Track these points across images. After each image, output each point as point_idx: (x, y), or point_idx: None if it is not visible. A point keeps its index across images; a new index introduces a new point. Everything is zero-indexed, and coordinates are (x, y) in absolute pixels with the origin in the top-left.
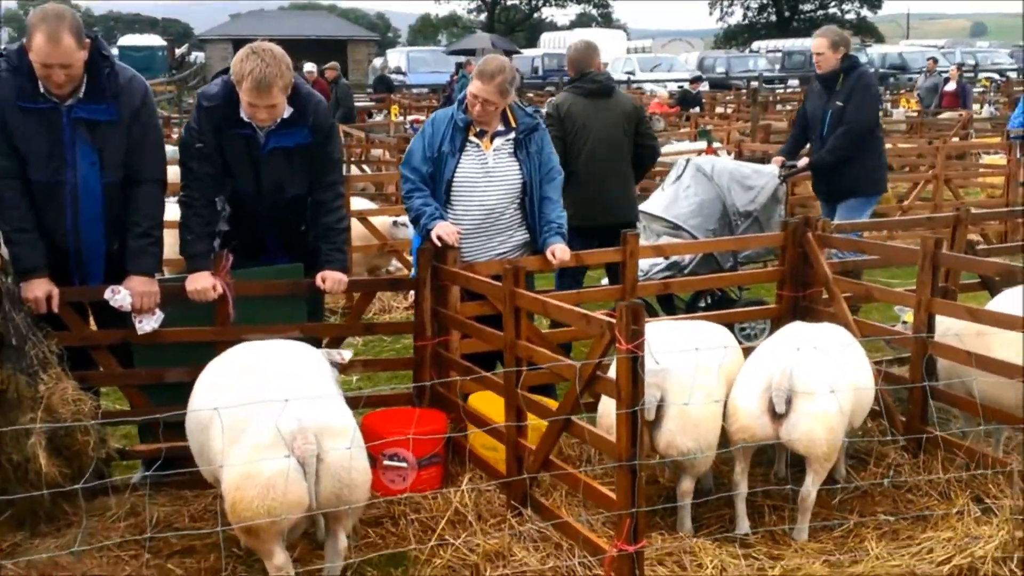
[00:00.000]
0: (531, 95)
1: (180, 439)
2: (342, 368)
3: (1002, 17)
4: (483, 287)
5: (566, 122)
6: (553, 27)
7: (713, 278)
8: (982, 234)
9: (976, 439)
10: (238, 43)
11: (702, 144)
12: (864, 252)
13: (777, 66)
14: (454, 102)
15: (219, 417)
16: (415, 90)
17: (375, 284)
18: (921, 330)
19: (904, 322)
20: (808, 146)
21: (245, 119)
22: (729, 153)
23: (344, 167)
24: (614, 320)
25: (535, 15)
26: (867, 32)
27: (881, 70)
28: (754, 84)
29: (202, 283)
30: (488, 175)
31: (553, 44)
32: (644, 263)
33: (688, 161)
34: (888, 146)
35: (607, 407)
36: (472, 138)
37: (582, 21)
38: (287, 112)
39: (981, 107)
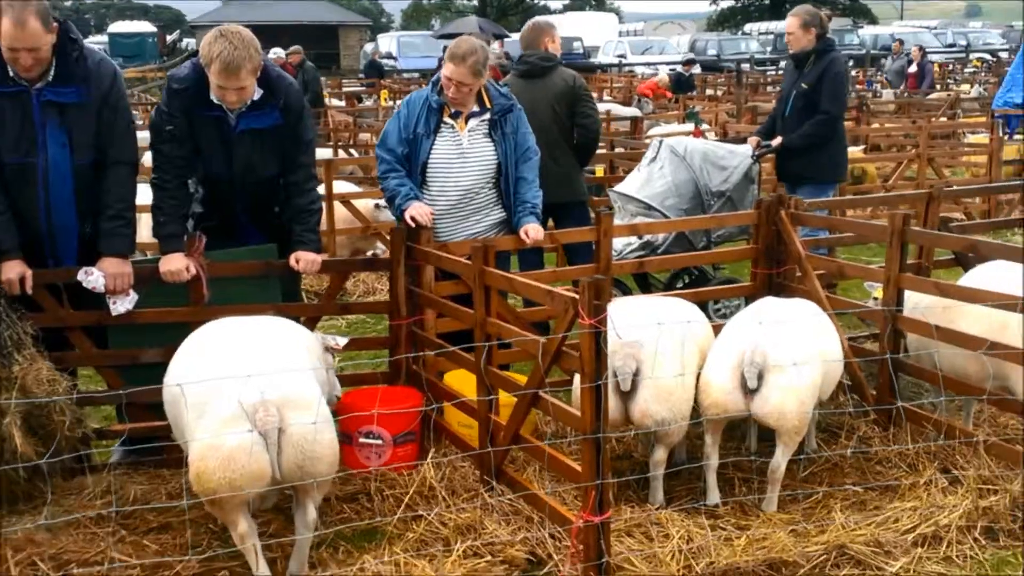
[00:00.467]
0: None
1: (160, 418)
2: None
3: None
4: (454, 266)
5: None
6: (546, 11)
7: (687, 257)
8: (965, 212)
9: (945, 411)
10: None
11: (690, 126)
12: (836, 229)
13: (769, 48)
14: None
15: (183, 392)
16: (405, 75)
17: (349, 265)
18: (890, 305)
19: (875, 298)
20: None
21: (216, 101)
22: (716, 135)
23: (332, 151)
24: (578, 296)
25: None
26: (860, 13)
27: (872, 51)
28: (744, 66)
29: (175, 264)
30: (463, 156)
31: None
32: (618, 243)
33: (662, 142)
34: (875, 125)
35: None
36: (447, 119)
37: (575, 5)
38: (257, 94)
39: (971, 87)
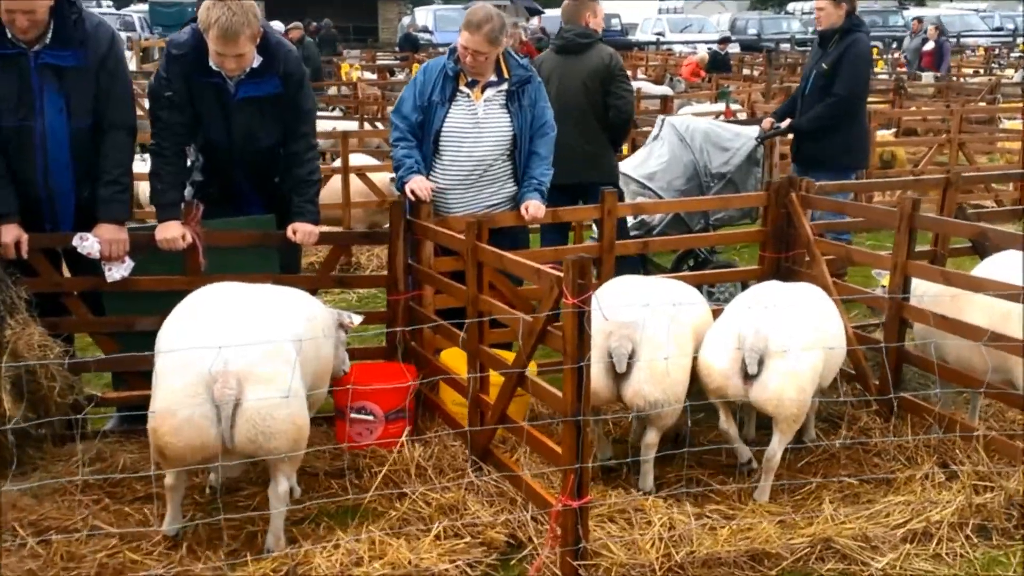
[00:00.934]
0: None
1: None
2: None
3: None
4: (451, 241)
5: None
6: None
7: (693, 238)
8: (996, 199)
9: (947, 404)
10: (270, 1)
11: (722, 106)
12: (847, 214)
13: (811, 28)
14: None
15: (157, 358)
16: (441, 48)
17: (348, 237)
18: (896, 292)
19: (883, 286)
20: None
21: (215, 68)
22: (746, 115)
23: (358, 124)
24: (562, 275)
25: None
26: None
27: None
28: (785, 46)
29: (172, 232)
30: (477, 126)
31: None
32: None
33: (664, 120)
34: (912, 108)
35: None
36: (463, 88)
37: None
38: (257, 62)
39: (1015, 72)
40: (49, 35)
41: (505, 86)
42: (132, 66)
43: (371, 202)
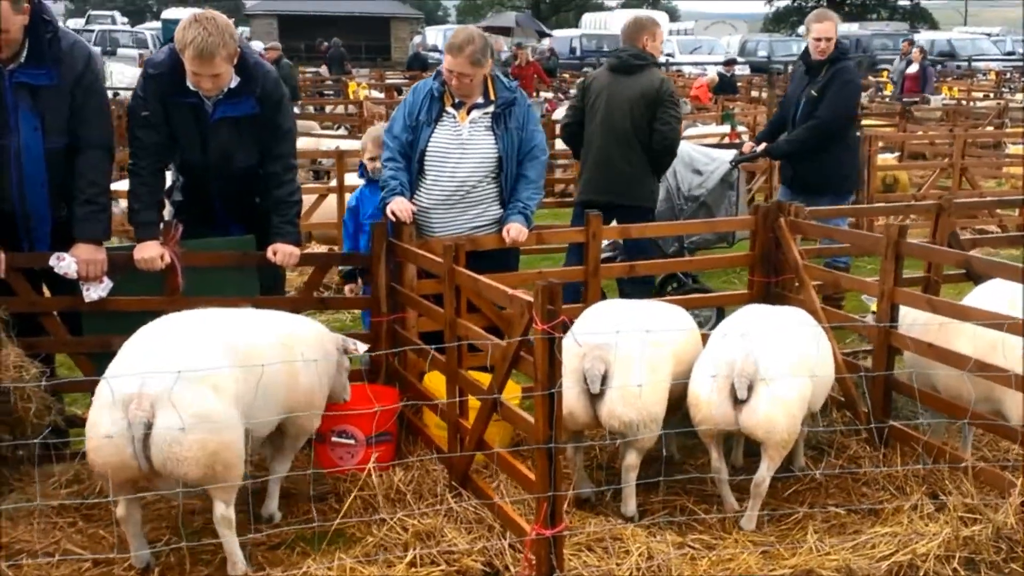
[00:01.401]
0: (567, 75)
1: None
2: None
3: None
4: (431, 264)
5: (586, 94)
6: (600, 8)
7: (680, 262)
8: (1000, 225)
9: (939, 433)
10: (283, 18)
11: (726, 128)
12: (835, 239)
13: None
14: None
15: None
16: None
17: (329, 258)
18: (884, 320)
19: (873, 312)
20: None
21: (192, 88)
22: (750, 138)
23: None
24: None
25: None
26: (921, 18)
27: (929, 57)
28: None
29: (150, 252)
30: (462, 147)
31: (594, 25)
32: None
33: None
34: (919, 132)
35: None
36: (449, 109)
37: (630, 3)
38: (234, 82)
39: None
40: (24, 54)
41: (491, 108)
42: None
43: None
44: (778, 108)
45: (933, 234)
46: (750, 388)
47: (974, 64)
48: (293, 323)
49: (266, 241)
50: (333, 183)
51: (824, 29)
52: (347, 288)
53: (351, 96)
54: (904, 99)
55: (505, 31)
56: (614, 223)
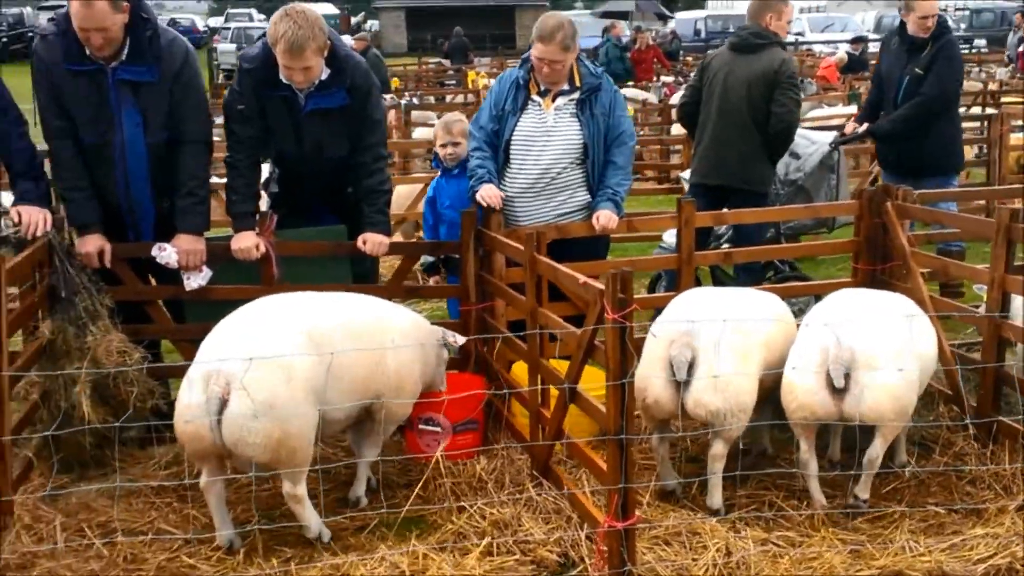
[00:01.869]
0: (689, 59)
1: None
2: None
3: None
4: (512, 252)
5: (704, 73)
6: None
7: (780, 248)
8: None
9: None
10: (411, 11)
11: (853, 108)
12: (943, 224)
13: (963, 25)
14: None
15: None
16: None
17: (418, 247)
18: (993, 309)
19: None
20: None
21: (284, 81)
22: None
23: None
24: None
25: None
26: None
27: None
28: None
29: (246, 242)
30: (547, 134)
31: (720, 6)
32: (670, 236)
33: None
34: None
35: (640, 372)
36: (534, 96)
37: None
38: (325, 74)
39: None
40: (125, 52)
41: (576, 94)
42: None
43: None
44: (872, 88)
45: None
46: (847, 376)
47: None
48: (385, 310)
49: (358, 230)
50: None
51: (929, 7)
52: (431, 280)
53: (470, 85)
54: None
55: (623, 15)
56: (725, 208)
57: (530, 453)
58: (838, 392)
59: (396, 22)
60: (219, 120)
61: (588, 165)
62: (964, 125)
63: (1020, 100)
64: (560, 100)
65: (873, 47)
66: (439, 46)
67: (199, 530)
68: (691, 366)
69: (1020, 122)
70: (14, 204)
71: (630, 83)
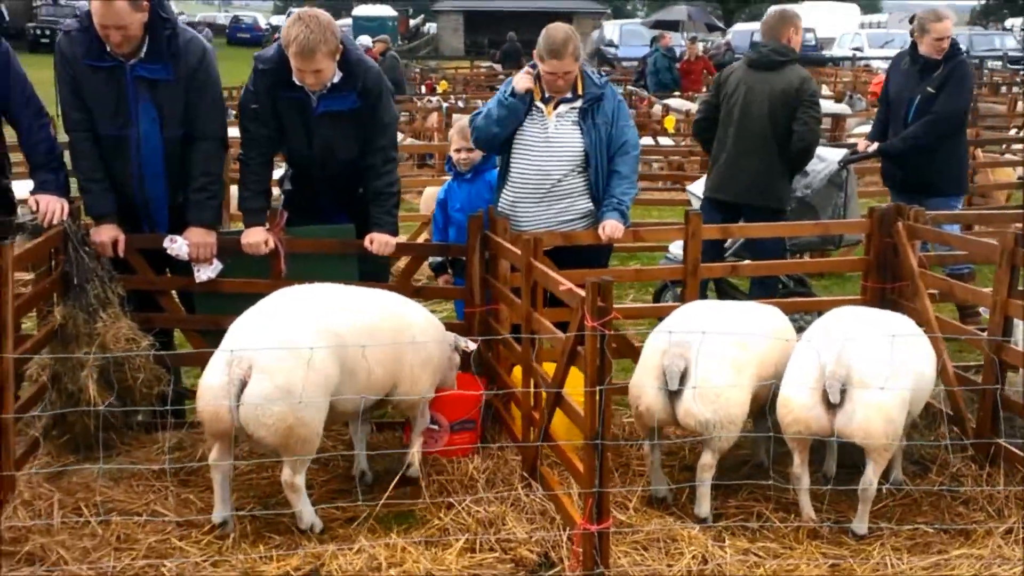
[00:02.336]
0: None
1: None
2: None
3: None
4: (513, 257)
5: (721, 89)
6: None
7: (787, 264)
8: None
9: None
10: (469, 14)
11: None
12: (950, 245)
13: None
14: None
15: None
16: (626, 63)
17: (425, 248)
18: (995, 333)
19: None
20: None
21: (298, 83)
22: None
23: None
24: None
25: None
26: None
27: None
28: (996, 64)
29: (255, 237)
30: (547, 141)
31: None
32: (676, 247)
33: None
34: None
35: (635, 380)
36: (538, 103)
37: None
38: (337, 77)
39: None
40: (144, 49)
41: (579, 103)
42: None
43: None
44: (880, 107)
45: None
46: (843, 392)
47: None
48: (405, 306)
49: (368, 231)
50: None
51: (945, 28)
52: (440, 280)
53: None
54: None
55: (673, 25)
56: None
57: (522, 454)
58: (833, 408)
59: (454, 25)
60: None
61: (591, 174)
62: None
63: None
64: (562, 108)
65: None
66: (491, 51)
67: (194, 514)
68: (684, 376)
69: None
70: (33, 193)
71: (676, 93)
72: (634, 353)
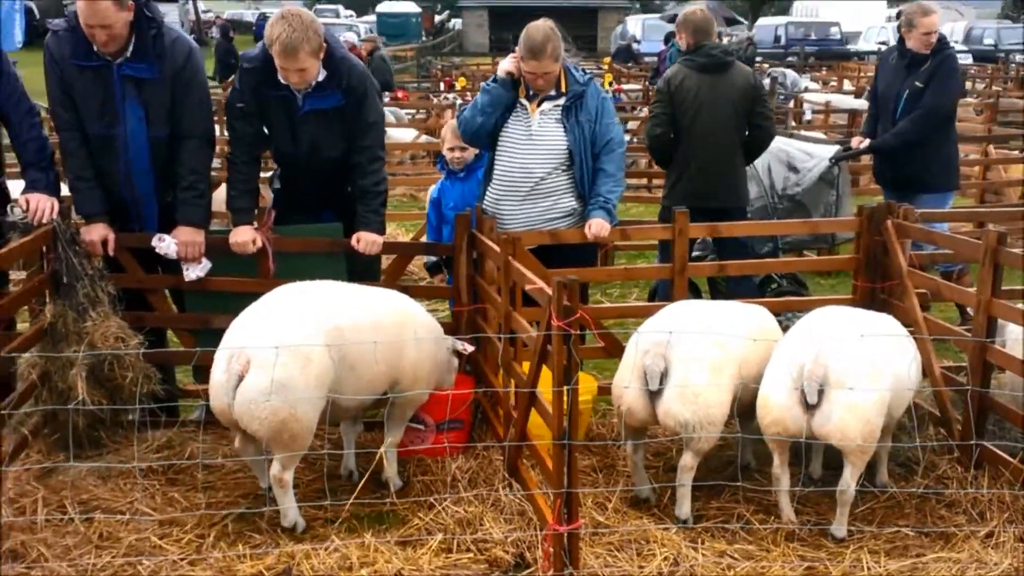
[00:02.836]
0: (765, 65)
1: None
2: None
3: None
4: (493, 256)
5: (675, 97)
6: None
7: (778, 262)
8: None
9: None
10: (494, 11)
11: None
12: (936, 244)
13: None
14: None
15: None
16: (648, 59)
17: (412, 247)
18: (980, 333)
19: None
20: None
21: (283, 82)
22: None
23: None
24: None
25: None
26: None
27: None
28: (1021, 57)
29: (243, 236)
30: (531, 139)
31: (804, 12)
32: None
33: None
34: None
35: (617, 380)
36: (522, 100)
37: None
38: (321, 75)
39: None
40: (130, 49)
41: (562, 101)
42: None
43: None
44: (870, 104)
45: None
46: (820, 392)
47: None
48: (407, 303)
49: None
50: None
51: (932, 22)
52: (435, 279)
53: None
54: None
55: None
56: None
57: (504, 454)
58: (811, 408)
59: (479, 21)
60: None
61: (575, 171)
62: None
63: None
64: (546, 105)
65: (962, 58)
66: (515, 47)
67: (178, 512)
68: (664, 376)
69: None
70: (23, 192)
71: None
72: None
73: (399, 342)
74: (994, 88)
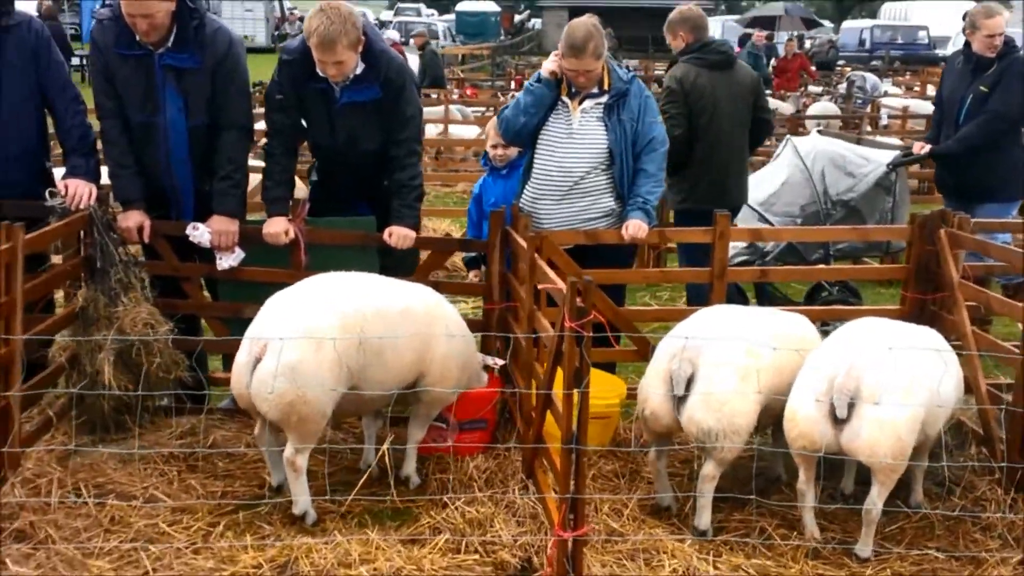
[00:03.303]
0: (847, 69)
1: None
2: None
3: None
4: (522, 255)
5: (691, 97)
6: None
7: (822, 270)
8: None
9: None
10: (574, 11)
11: None
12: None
13: None
14: None
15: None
16: None
17: (446, 243)
18: None
19: None
20: None
21: (321, 74)
22: None
23: None
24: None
25: None
26: None
27: None
28: None
29: (276, 227)
30: (571, 137)
31: (893, 14)
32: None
33: (788, 139)
34: None
35: (643, 384)
36: (564, 98)
37: None
38: (360, 68)
39: None
40: (172, 38)
41: (604, 99)
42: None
43: None
44: (935, 109)
45: None
46: (851, 407)
47: None
48: (439, 299)
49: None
50: None
51: (996, 24)
52: (471, 274)
53: None
54: None
55: (770, 22)
56: None
57: (522, 456)
58: (840, 423)
59: (559, 20)
60: None
61: (615, 171)
62: None
63: None
64: (587, 103)
65: None
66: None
67: (192, 499)
68: (690, 382)
69: None
70: (63, 178)
71: (767, 92)
72: None
73: (427, 334)
74: None
